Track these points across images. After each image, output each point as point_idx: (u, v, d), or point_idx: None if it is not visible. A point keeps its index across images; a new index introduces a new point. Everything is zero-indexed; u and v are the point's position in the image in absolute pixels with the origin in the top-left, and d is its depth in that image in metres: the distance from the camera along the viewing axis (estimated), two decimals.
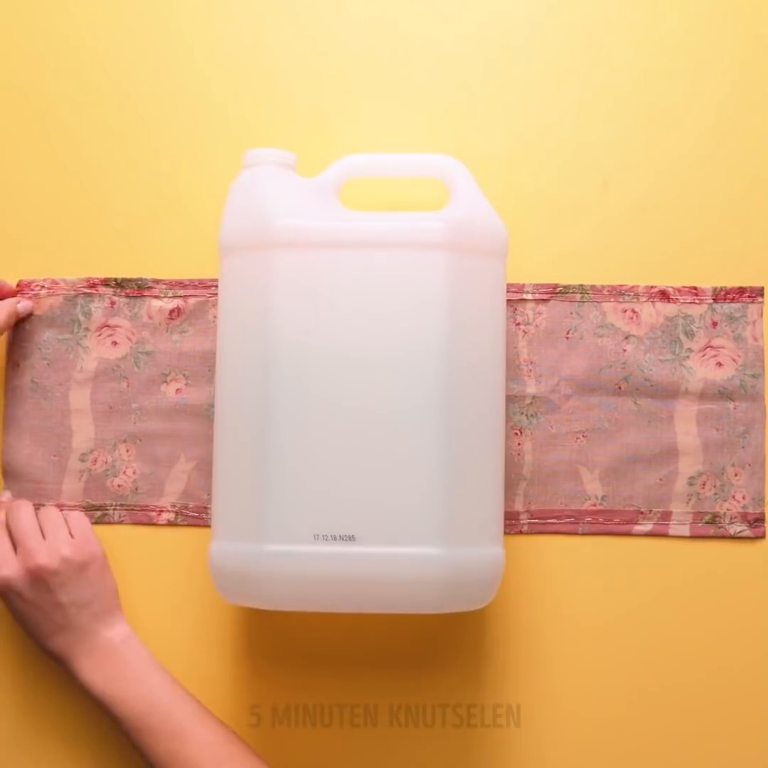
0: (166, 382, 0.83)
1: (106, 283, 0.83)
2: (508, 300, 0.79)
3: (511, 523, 0.81)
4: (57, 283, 0.83)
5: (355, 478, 0.71)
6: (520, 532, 0.82)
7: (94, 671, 0.76)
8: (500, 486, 0.75)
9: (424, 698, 0.81)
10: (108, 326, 0.83)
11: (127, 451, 0.82)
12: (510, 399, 0.81)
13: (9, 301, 0.81)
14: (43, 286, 0.83)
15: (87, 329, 0.83)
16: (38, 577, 0.75)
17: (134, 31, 0.86)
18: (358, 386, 0.72)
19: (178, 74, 0.86)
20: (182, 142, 0.85)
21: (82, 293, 0.83)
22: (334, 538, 0.71)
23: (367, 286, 0.72)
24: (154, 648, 0.80)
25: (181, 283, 0.83)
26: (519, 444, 0.82)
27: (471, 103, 0.85)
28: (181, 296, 0.83)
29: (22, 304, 0.82)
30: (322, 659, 0.82)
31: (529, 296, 0.82)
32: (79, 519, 0.80)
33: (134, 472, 0.82)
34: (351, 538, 0.71)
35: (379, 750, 0.81)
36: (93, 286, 0.83)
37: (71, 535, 0.78)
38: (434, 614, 0.77)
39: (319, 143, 0.84)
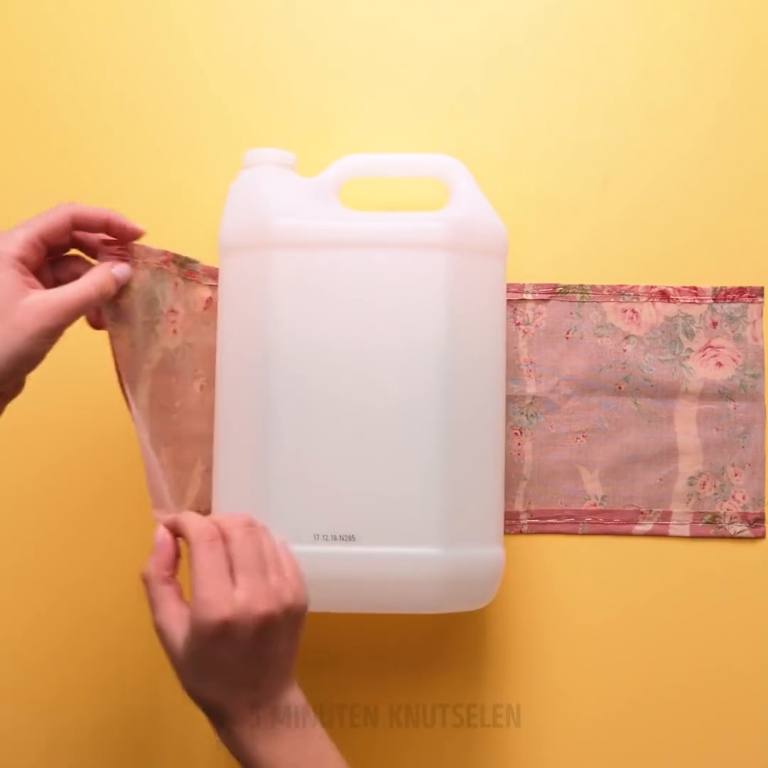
0: (196, 378, 0.76)
1: (175, 259, 0.72)
2: (508, 300, 0.79)
3: (511, 523, 0.81)
4: (150, 252, 0.69)
5: (355, 478, 0.71)
6: (520, 532, 0.82)
7: (268, 739, 0.62)
8: (500, 486, 0.75)
9: (424, 698, 0.81)
10: (173, 311, 0.73)
11: (166, 454, 0.73)
12: (510, 399, 0.81)
13: (104, 267, 0.66)
14: (147, 251, 0.69)
15: (160, 313, 0.71)
16: (259, 624, 0.60)
17: (134, 31, 0.86)
18: (358, 386, 0.72)
19: (178, 75, 0.85)
20: (182, 142, 0.85)
21: (161, 268, 0.71)
22: (334, 537, 0.71)
23: (367, 285, 0.72)
24: (155, 649, 0.80)
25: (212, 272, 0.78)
26: (519, 444, 0.82)
27: (471, 103, 0.85)
28: (211, 286, 0.77)
29: (119, 269, 0.66)
30: (322, 659, 0.82)
31: (529, 296, 0.82)
32: (291, 557, 0.65)
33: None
34: (351, 538, 0.71)
35: (379, 750, 0.81)
36: (166, 262, 0.71)
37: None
38: (434, 614, 0.77)
39: (319, 143, 0.84)
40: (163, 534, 0.63)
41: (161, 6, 0.86)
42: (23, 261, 0.62)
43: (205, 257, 0.78)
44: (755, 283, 0.83)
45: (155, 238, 0.84)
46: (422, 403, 0.72)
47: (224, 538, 0.62)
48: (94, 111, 0.85)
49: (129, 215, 0.83)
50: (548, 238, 0.84)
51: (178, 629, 0.61)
